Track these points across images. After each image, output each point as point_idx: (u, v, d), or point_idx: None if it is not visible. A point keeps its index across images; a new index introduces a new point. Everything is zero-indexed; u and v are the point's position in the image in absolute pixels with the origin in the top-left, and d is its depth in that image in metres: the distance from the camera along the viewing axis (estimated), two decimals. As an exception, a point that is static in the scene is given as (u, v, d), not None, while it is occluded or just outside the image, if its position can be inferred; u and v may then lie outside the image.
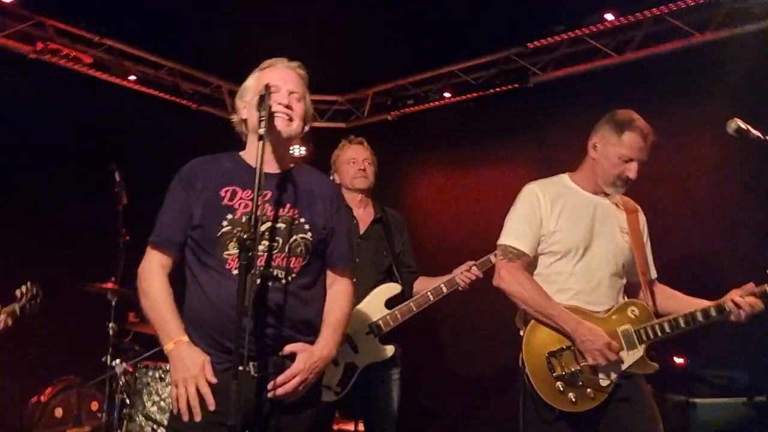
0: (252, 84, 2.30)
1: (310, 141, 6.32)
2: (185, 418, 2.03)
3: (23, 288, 3.54)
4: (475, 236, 5.35)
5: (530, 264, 2.80)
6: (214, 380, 2.04)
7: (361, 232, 3.48)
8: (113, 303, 4.29)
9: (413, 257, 3.64)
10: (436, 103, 5.86)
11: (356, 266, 3.25)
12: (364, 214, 3.54)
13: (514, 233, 2.76)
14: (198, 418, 2.01)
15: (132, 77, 5.48)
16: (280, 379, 2.09)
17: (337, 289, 2.36)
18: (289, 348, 2.14)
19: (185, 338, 2.10)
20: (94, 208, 4.76)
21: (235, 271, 2.08)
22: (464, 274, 3.33)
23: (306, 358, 2.13)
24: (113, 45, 5.21)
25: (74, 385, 4.66)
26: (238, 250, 2.03)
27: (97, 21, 4.99)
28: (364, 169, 3.53)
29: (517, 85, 5.31)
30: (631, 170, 2.69)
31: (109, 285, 4.27)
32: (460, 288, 3.36)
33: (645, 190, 4.28)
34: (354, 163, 3.54)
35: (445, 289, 3.35)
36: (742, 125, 2.45)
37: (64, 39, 4.99)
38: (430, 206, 5.95)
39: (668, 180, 4.48)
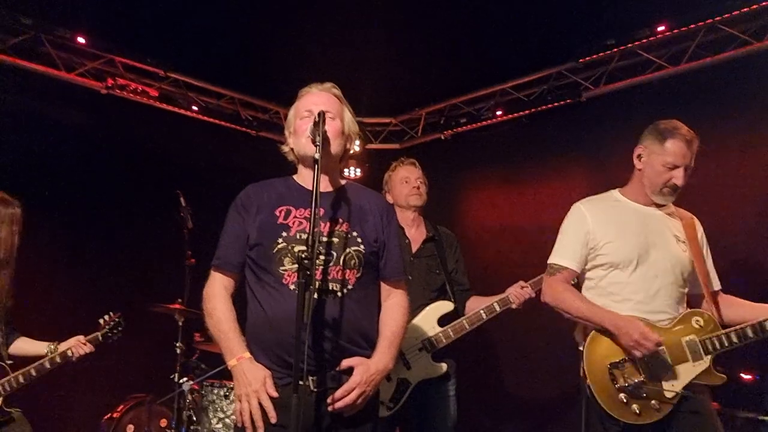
0: (292, 114, 2.45)
1: (366, 162, 6.45)
2: (249, 431, 2.10)
3: (106, 317, 3.61)
4: (532, 253, 5.26)
5: (586, 278, 2.81)
6: (275, 394, 2.11)
7: (414, 251, 3.53)
8: (180, 323, 4.46)
9: (466, 275, 3.66)
10: (489, 121, 5.88)
11: (409, 284, 3.30)
12: (416, 234, 3.60)
13: (558, 251, 2.84)
14: (261, 431, 2.08)
15: (195, 107, 5.73)
16: (338, 393, 2.14)
17: (392, 302, 2.42)
18: (346, 363, 2.19)
19: (247, 354, 2.18)
20: (161, 233, 4.99)
21: (292, 287, 2.17)
22: (517, 293, 3.36)
23: (363, 372, 2.18)
24: (177, 78, 5.49)
25: (145, 403, 4.82)
26: (293, 265, 2.16)
27: (162, 56, 5.28)
28: (418, 187, 3.61)
29: (569, 101, 5.30)
30: (678, 177, 2.69)
31: (176, 306, 4.44)
32: (513, 307, 3.37)
33: (706, 201, 4.22)
34: (407, 182, 3.63)
35: (498, 308, 3.37)
36: None
37: (132, 75, 5.30)
38: (485, 224, 5.94)
39: (729, 190, 4.37)
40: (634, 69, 5.01)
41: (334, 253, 2.24)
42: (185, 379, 4.39)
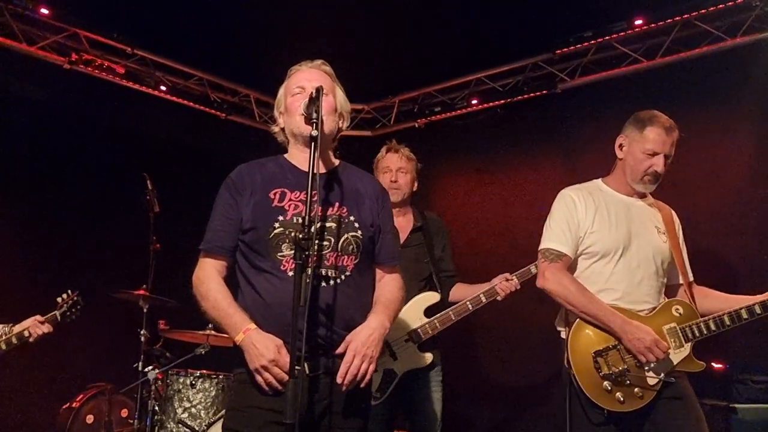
0: (282, 93, 2.36)
1: (337, 149, 6.33)
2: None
3: (64, 295, 3.56)
4: (503, 242, 5.31)
5: (570, 267, 2.79)
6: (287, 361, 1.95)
7: (402, 240, 3.44)
8: (144, 310, 4.32)
9: (452, 262, 3.62)
10: (464, 110, 5.84)
11: None
12: (403, 222, 3.51)
13: (553, 237, 2.78)
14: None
15: (163, 87, 5.54)
16: (341, 371, 2.04)
17: (388, 278, 2.38)
18: (341, 348, 2.09)
19: (253, 326, 2.06)
20: (126, 216, 4.82)
21: (291, 273, 2.06)
22: (503, 285, 3.33)
23: (356, 339, 2.08)
24: (145, 56, 5.28)
25: (105, 392, 4.69)
26: (292, 251, 2.05)
27: (129, 33, 5.07)
28: (396, 180, 3.48)
29: (545, 92, 5.31)
30: (658, 164, 2.72)
31: (141, 292, 4.29)
32: (498, 298, 3.35)
33: (678, 193, 4.28)
34: (387, 173, 3.50)
35: (484, 299, 3.35)
36: None
37: (97, 50, 5.07)
38: (458, 213, 5.91)
39: (701, 184, 4.44)
40: (609, 62, 5.05)
41: (331, 238, 2.17)
42: (150, 367, 4.25)
